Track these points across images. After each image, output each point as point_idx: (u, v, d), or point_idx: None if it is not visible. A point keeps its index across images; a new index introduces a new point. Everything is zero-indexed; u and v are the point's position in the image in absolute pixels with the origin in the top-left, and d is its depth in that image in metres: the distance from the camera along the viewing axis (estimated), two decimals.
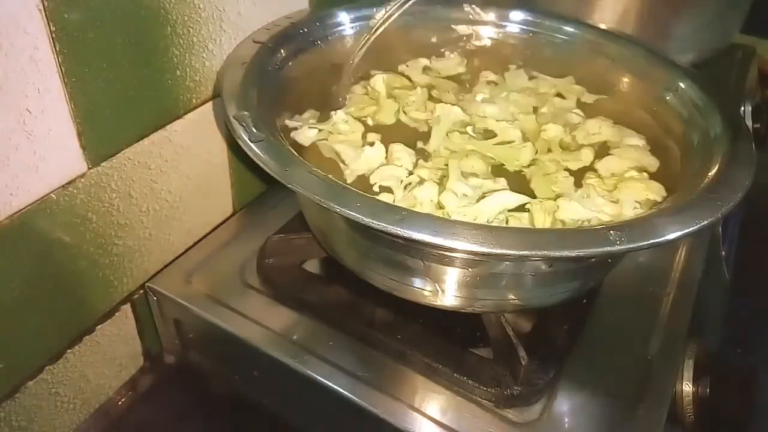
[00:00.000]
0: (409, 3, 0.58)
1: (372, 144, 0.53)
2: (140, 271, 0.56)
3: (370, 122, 0.57)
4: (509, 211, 0.48)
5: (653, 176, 0.52)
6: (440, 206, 0.48)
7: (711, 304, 0.68)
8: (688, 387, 0.50)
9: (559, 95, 0.62)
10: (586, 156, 0.54)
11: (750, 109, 0.88)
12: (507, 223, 0.47)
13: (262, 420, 0.57)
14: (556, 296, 0.49)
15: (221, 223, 0.64)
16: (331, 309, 0.54)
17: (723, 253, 0.74)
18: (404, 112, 0.58)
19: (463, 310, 0.49)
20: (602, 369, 0.50)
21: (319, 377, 0.48)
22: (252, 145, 0.42)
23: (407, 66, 0.65)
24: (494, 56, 0.67)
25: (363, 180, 0.50)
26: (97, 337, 0.54)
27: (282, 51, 0.55)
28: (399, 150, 0.52)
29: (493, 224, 0.46)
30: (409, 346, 0.50)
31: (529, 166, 0.53)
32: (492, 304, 0.48)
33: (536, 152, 0.54)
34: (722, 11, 0.83)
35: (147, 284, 0.56)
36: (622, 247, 0.37)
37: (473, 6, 0.66)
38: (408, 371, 0.50)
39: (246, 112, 0.45)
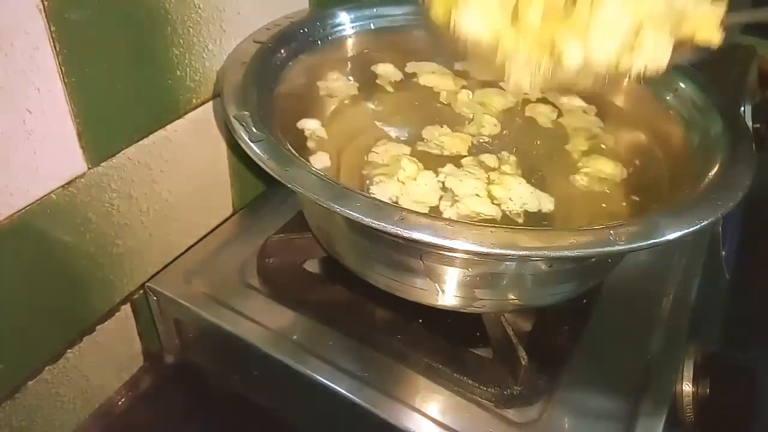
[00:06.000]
0: None
1: None
2: (140, 271, 0.56)
3: None
4: None
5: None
6: None
7: (711, 304, 0.68)
8: (688, 387, 0.50)
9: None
10: None
11: (750, 109, 0.88)
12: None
13: (262, 420, 0.57)
14: (556, 296, 0.49)
15: (221, 223, 0.64)
16: (331, 309, 0.54)
17: (723, 253, 0.74)
18: None
19: (463, 310, 0.49)
20: (602, 369, 0.50)
21: (319, 377, 0.48)
22: (252, 145, 0.43)
23: None
24: None
25: None
26: (97, 337, 0.54)
27: (282, 51, 0.55)
28: None
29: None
30: (409, 346, 0.50)
31: None
32: (492, 304, 0.48)
33: None
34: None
35: (147, 284, 0.56)
36: (622, 247, 0.37)
37: None
38: (408, 371, 0.50)
39: (246, 112, 0.45)
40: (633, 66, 0.41)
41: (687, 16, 0.43)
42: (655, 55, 0.41)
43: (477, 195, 0.50)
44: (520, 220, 0.49)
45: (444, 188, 0.51)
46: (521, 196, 0.50)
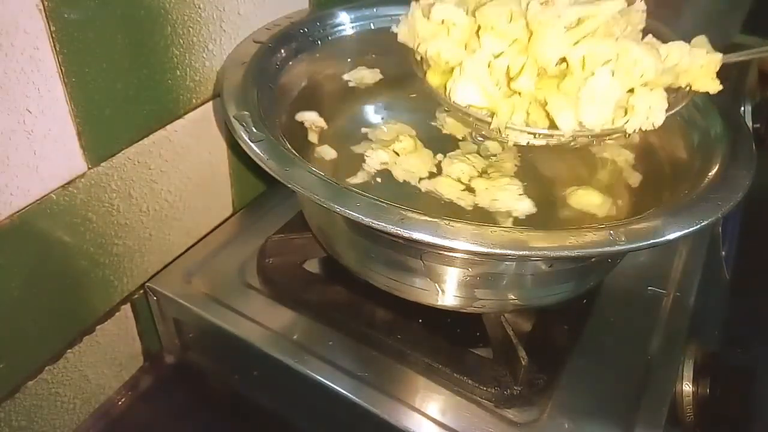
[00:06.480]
0: None
1: None
2: (140, 271, 0.56)
3: None
4: None
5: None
6: None
7: (711, 304, 0.68)
8: (688, 387, 0.50)
9: None
10: None
11: (750, 109, 0.88)
12: None
13: (262, 420, 0.57)
14: (556, 296, 0.49)
15: (221, 223, 0.64)
16: (331, 309, 0.54)
17: (723, 253, 0.74)
18: None
19: (463, 310, 0.49)
20: (602, 369, 0.50)
21: (319, 377, 0.48)
22: (252, 145, 0.43)
23: None
24: None
25: None
26: (97, 337, 0.54)
27: (282, 51, 0.55)
28: None
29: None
30: (409, 346, 0.50)
31: None
32: (492, 304, 0.48)
33: None
34: (722, 11, 0.83)
35: (147, 284, 0.56)
36: (622, 247, 0.37)
37: None
38: (408, 371, 0.50)
39: (246, 112, 0.45)
40: (629, 126, 0.42)
41: (683, 69, 0.43)
42: (650, 114, 0.41)
43: (459, 180, 0.50)
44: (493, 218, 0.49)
45: (438, 166, 0.51)
46: (498, 194, 0.49)
